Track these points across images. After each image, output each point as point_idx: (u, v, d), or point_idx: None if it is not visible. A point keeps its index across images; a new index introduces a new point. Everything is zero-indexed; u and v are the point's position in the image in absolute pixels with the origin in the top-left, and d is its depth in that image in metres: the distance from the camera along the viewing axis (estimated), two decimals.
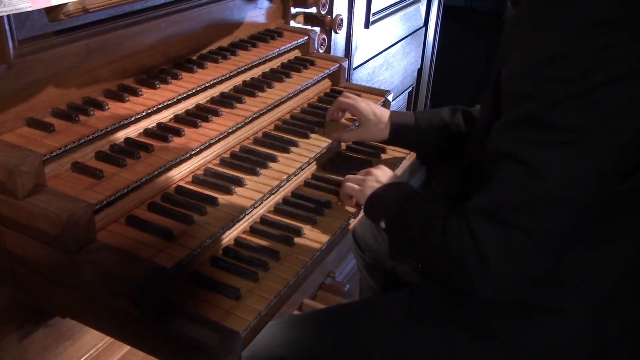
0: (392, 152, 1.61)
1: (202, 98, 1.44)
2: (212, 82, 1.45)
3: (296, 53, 1.80)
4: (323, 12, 1.96)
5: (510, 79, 1.01)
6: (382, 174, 1.32)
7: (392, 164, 1.55)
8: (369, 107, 1.50)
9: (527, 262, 0.98)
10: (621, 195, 1.01)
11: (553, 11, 0.94)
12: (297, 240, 1.21)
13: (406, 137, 1.50)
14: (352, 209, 1.33)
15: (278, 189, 1.31)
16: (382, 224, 1.22)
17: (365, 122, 1.50)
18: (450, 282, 1.10)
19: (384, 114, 1.50)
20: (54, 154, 1.11)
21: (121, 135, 1.24)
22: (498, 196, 0.98)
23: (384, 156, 1.59)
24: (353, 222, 1.35)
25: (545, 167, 0.93)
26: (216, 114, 1.38)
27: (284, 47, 1.70)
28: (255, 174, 1.30)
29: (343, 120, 1.59)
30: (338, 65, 1.78)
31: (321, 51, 2.04)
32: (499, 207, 0.97)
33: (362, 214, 1.36)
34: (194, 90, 1.40)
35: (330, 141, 1.48)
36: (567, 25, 0.91)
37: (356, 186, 1.31)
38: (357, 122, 1.54)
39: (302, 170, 1.39)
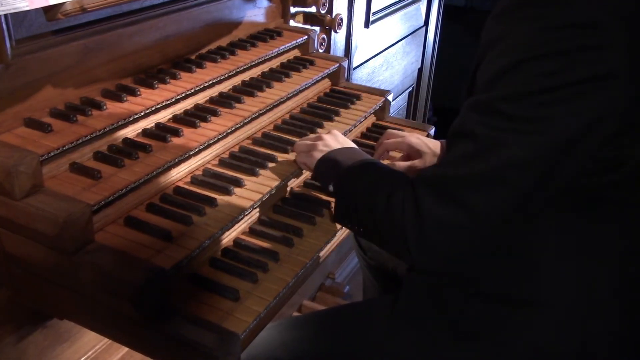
0: (393, 152, 1.60)
1: (201, 98, 1.43)
2: (211, 82, 1.45)
3: (296, 53, 1.79)
4: (323, 12, 1.95)
5: (484, 72, 1.03)
6: (332, 139, 1.32)
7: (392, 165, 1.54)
8: (420, 140, 1.45)
9: (463, 237, 1.00)
10: (602, 191, 1.01)
11: (532, 10, 0.95)
12: (296, 241, 1.21)
13: None
14: None
15: (278, 190, 1.31)
16: (331, 188, 1.23)
17: (420, 156, 1.44)
18: (389, 248, 1.13)
19: (437, 145, 1.45)
20: (52, 154, 1.10)
21: (119, 135, 1.23)
22: (445, 169, 1.01)
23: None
24: None
25: (494, 148, 0.95)
26: (215, 114, 1.37)
27: (284, 46, 1.69)
28: (255, 174, 1.29)
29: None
30: (338, 65, 1.77)
31: (321, 51, 2.04)
32: (444, 179, 1.00)
33: None
34: (192, 90, 1.39)
35: None
36: (544, 26, 0.93)
37: (305, 151, 1.31)
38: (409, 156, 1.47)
39: (302, 170, 1.38)
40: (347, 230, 1.34)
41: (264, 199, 1.25)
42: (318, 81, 1.71)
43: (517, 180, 0.96)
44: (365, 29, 2.35)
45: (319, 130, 1.51)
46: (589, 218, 1.04)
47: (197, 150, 1.28)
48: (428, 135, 1.72)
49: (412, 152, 1.46)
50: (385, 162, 1.48)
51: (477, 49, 1.08)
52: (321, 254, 1.24)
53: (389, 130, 1.53)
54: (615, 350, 1.10)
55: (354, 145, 1.32)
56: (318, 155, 1.28)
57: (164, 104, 1.32)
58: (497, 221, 1.00)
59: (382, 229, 1.09)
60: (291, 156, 1.38)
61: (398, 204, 1.03)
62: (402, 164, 1.45)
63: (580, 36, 0.90)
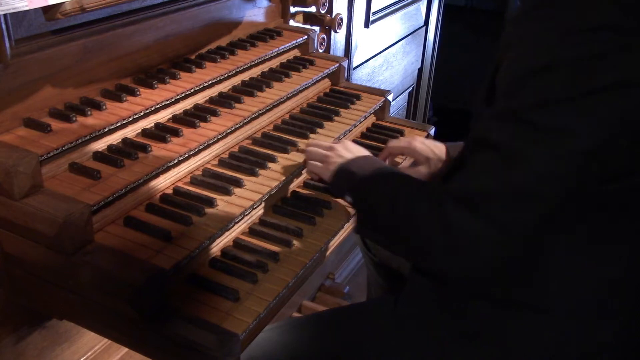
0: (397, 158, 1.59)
1: (200, 98, 1.43)
2: (210, 82, 1.44)
3: (295, 52, 1.79)
4: (322, 11, 1.95)
5: (505, 77, 1.01)
6: (344, 149, 1.29)
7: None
8: (425, 145, 1.43)
9: (494, 251, 0.98)
10: (610, 198, 1.00)
11: (553, 14, 0.93)
12: (296, 241, 1.21)
13: None
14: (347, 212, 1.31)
15: (277, 190, 1.30)
16: (348, 199, 1.22)
17: (426, 161, 1.42)
18: (418, 263, 1.12)
19: (442, 149, 1.43)
20: (51, 154, 1.10)
21: (119, 135, 1.23)
22: (473, 183, 0.98)
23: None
24: (354, 223, 1.34)
25: (523, 160, 0.93)
26: (215, 114, 1.37)
27: (283, 46, 1.69)
28: (254, 174, 1.29)
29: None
30: (338, 64, 1.77)
31: (321, 51, 2.04)
32: (472, 193, 0.98)
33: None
34: (192, 90, 1.39)
35: (330, 141, 1.47)
36: (565, 29, 0.91)
37: (319, 163, 1.30)
38: (414, 161, 1.46)
39: (301, 170, 1.38)
40: (347, 231, 1.33)
41: (263, 200, 1.25)
42: (318, 81, 1.71)
43: (549, 192, 0.94)
44: (365, 28, 2.35)
45: (319, 130, 1.51)
46: (598, 228, 1.02)
47: (196, 150, 1.27)
48: (428, 135, 1.71)
49: (417, 158, 1.44)
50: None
51: (496, 51, 1.06)
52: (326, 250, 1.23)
53: (395, 138, 1.53)
54: (621, 354, 1.10)
55: (366, 152, 1.30)
56: (332, 167, 1.26)
57: (163, 104, 1.31)
58: (527, 234, 0.98)
59: (408, 244, 1.07)
60: (291, 156, 1.38)
61: (423, 215, 1.01)
62: (408, 171, 1.43)
63: (604, 40, 0.88)
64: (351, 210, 1.33)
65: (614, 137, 0.91)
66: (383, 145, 1.58)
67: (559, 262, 1.06)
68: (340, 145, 1.31)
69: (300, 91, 1.63)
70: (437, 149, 1.43)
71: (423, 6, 2.94)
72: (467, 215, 0.96)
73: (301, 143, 1.43)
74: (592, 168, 0.94)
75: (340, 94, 1.73)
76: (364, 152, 1.30)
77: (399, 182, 1.13)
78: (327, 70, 1.73)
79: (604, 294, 1.07)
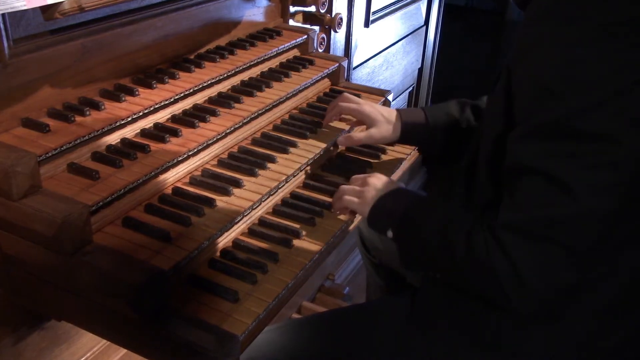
0: (392, 152, 1.59)
1: (199, 98, 1.42)
2: (209, 82, 1.44)
3: (295, 52, 1.79)
4: (322, 11, 1.95)
5: (527, 83, 0.97)
6: (379, 183, 1.26)
7: (393, 165, 1.54)
8: (374, 108, 1.45)
9: (563, 276, 0.97)
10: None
11: (574, 10, 0.90)
12: (295, 242, 1.20)
13: (417, 135, 1.46)
14: (345, 217, 1.31)
15: (277, 191, 1.30)
16: (389, 234, 1.19)
17: (374, 124, 1.44)
18: (482, 295, 1.08)
19: (391, 113, 1.46)
20: (50, 154, 1.09)
21: (117, 135, 1.23)
22: (528, 212, 0.95)
23: (383, 157, 1.57)
24: (353, 224, 1.34)
25: (574, 181, 0.90)
26: (214, 114, 1.37)
27: (283, 46, 1.69)
28: (254, 175, 1.28)
29: (339, 123, 1.56)
30: (337, 64, 1.77)
31: (320, 50, 2.03)
32: (530, 223, 0.95)
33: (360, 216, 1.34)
34: (191, 90, 1.38)
35: (329, 141, 1.47)
36: (591, 25, 0.88)
37: (355, 199, 1.25)
38: (365, 125, 1.49)
39: (300, 171, 1.37)
40: (347, 232, 1.33)
41: (263, 200, 1.24)
42: (317, 81, 1.70)
43: (605, 207, 0.92)
44: (365, 28, 2.35)
45: (318, 130, 1.50)
46: (620, 232, 1.01)
47: (195, 150, 1.27)
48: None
49: (366, 120, 1.46)
50: (337, 124, 1.51)
51: (504, 60, 1.03)
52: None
53: (345, 94, 1.52)
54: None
55: (400, 184, 1.28)
56: (371, 202, 1.23)
57: (162, 104, 1.31)
58: (593, 250, 0.96)
59: (469, 279, 1.06)
60: (291, 157, 1.38)
61: (483, 254, 0.99)
62: (360, 135, 1.46)
63: (633, 33, 0.86)
64: (344, 219, 1.31)
65: None
66: (383, 146, 1.58)
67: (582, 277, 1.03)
68: (374, 179, 1.27)
69: (300, 91, 1.63)
70: (386, 112, 1.45)
71: (423, 6, 2.94)
72: (531, 245, 0.94)
73: (301, 143, 1.43)
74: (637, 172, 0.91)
75: (340, 94, 1.72)
76: (396, 183, 1.28)
77: (444, 216, 1.10)
78: (327, 70, 1.73)
79: (616, 295, 1.06)
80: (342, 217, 1.31)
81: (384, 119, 1.44)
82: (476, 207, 1.11)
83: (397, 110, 1.48)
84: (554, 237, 0.93)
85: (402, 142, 1.51)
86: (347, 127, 1.54)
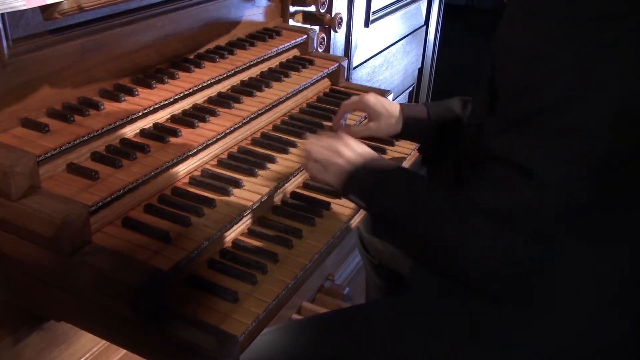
0: (392, 152, 1.58)
1: (199, 98, 1.42)
2: (209, 82, 1.44)
3: (295, 52, 1.78)
4: (322, 11, 1.94)
5: (504, 77, 1.00)
6: (350, 151, 1.17)
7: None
8: (378, 100, 1.45)
9: (525, 260, 0.99)
10: (615, 194, 1.01)
11: (549, 6, 0.93)
12: (295, 242, 1.20)
13: (419, 131, 1.45)
14: (347, 213, 1.30)
15: (277, 191, 1.30)
16: (361, 204, 1.16)
17: (376, 117, 1.44)
18: (448, 275, 1.11)
19: (394, 107, 1.45)
20: (49, 154, 1.09)
21: (117, 135, 1.23)
22: (495, 197, 0.99)
23: (383, 156, 1.57)
24: (354, 224, 1.33)
25: (541, 170, 0.93)
26: (213, 114, 1.36)
27: (283, 46, 1.68)
28: (253, 175, 1.28)
29: (349, 121, 1.55)
30: (337, 64, 1.76)
31: (320, 50, 2.03)
32: (495, 208, 0.98)
33: (360, 216, 1.34)
34: (191, 90, 1.38)
35: None
36: (563, 21, 0.91)
37: (321, 168, 1.18)
38: (367, 118, 1.49)
39: (301, 171, 1.37)
40: (347, 232, 1.33)
41: (262, 200, 1.24)
42: (317, 81, 1.70)
43: (569, 194, 0.96)
44: (365, 28, 2.34)
45: (318, 130, 1.50)
46: (598, 220, 1.03)
47: (195, 150, 1.27)
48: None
49: (368, 112, 1.46)
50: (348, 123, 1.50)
51: (490, 52, 1.07)
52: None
53: (352, 97, 1.52)
54: (627, 354, 1.09)
55: (372, 153, 1.21)
56: (338, 172, 1.15)
57: (162, 104, 1.31)
58: (557, 238, 1.00)
59: (435, 254, 1.07)
60: (291, 157, 1.37)
61: (455, 233, 1.01)
62: (358, 128, 1.46)
63: (601, 29, 0.88)
64: (351, 212, 1.32)
65: (621, 129, 0.91)
66: (383, 145, 1.57)
67: (563, 258, 1.06)
68: (345, 148, 1.18)
69: (300, 91, 1.62)
70: (389, 105, 1.45)
71: (423, 6, 2.94)
72: (492, 227, 0.97)
73: (300, 143, 1.43)
74: (606, 160, 0.94)
75: (340, 94, 1.72)
76: (368, 152, 1.21)
77: (420, 195, 1.10)
78: (327, 70, 1.72)
79: (615, 290, 1.06)
80: (342, 213, 1.30)
81: (387, 112, 1.44)
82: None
83: (401, 104, 1.47)
84: (516, 222, 0.96)
85: (402, 137, 1.51)
86: (357, 117, 1.53)
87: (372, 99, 1.45)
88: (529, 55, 0.94)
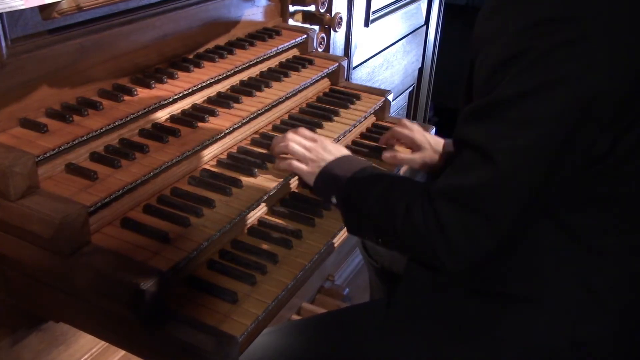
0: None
1: (198, 98, 1.42)
2: (208, 82, 1.43)
3: (294, 52, 1.78)
4: (322, 10, 1.94)
5: (478, 74, 1.06)
6: (323, 150, 1.27)
7: (393, 165, 1.53)
8: (424, 138, 1.49)
9: (487, 242, 1.03)
10: (597, 185, 1.03)
11: (515, 7, 0.98)
12: (295, 242, 1.20)
13: None
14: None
15: (276, 191, 1.29)
16: (333, 200, 1.21)
17: (420, 150, 1.49)
18: (416, 256, 1.17)
19: (439, 143, 1.49)
20: (48, 154, 1.09)
21: (116, 135, 1.22)
22: (457, 180, 1.03)
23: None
24: None
25: (497, 154, 0.98)
26: (213, 114, 1.36)
27: (282, 46, 1.68)
28: (253, 175, 1.28)
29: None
30: (337, 64, 1.76)
31: (320, 50, 2.03)
32: (458, 190, 1.02)
33: None
34: (190, 90, 1.38)
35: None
36: (525, 22, 0.95)
37: (303, 166, 1.26)
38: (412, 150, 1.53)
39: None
40: (347, 233, 1.32)
41: (262, 201, 1.24)
42: (317, 81, 1.70)
43: (525, 183, 1.00)
44: (365, 27, 2.34)
45: (318, 130, 1.50)
46: (583, 214, 1.06)
47: (194, 150, 1.26)
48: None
49: (413, 146, 1.50)
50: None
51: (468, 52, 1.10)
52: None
53: (403, 121, 1.56)
54: (612, 348, 1.10)
55: (345, 151, 1.29)
56: (315, 170, 1.24)
57: (161, 103, 1.30)
58: (514, 221, 1.03)
59: (405, 239, 1.10)
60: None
61: (419, 218, 1.05)
62: (403, 156, 1.50)
63: (560, 30, 0.92)
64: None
65: (580, 123, 0.95)
66: (383, 146, 1.57)
67: (549, 252, 1.09)
68: (319, 146, 1.28)
69: (300, 91, 1.62)
70: (434, 141, 1.50)
71: (423, 5, 2.93)
72: (458, 211, 1.02)
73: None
74: (563, 155, 0.98)
75: (340, 94, 1.71)
76: (342, 150, 1.29)
77: (389, 182, 1.15)
78: (327, 69, 1.72)
79: (595, 284, 1.08)
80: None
81: (431, 147, 1.49)
82: None
83: (445, 140, 1.51)
84: (475, 204, 1.00)
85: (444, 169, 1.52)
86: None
87: (419, 136, 1.50)
88: (497, 54, 0.99)
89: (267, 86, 1.53)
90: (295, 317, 2.27)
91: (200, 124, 1.31)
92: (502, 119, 0.98)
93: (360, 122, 1.62)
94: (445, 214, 1.02)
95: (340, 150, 1.29)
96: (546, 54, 0.93)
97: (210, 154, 1.32)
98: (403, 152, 1.53)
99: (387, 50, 2.62)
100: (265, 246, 1.18)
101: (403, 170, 1.56)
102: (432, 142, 1.49)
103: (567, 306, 1.09)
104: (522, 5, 0.97)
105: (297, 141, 1.29)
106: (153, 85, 1.32)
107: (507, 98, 0.97)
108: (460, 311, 1.16)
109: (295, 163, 1.28)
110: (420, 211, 1.05)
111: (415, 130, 1.51)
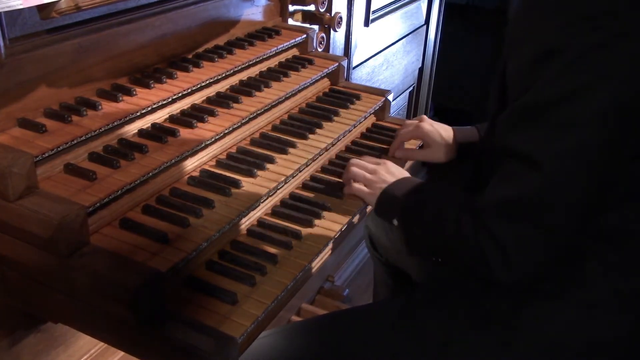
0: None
1: (197, 98, 1.41)
2: (208, 82, 1.43)
3: (294, 52, 1.78)
4: (322, 10, 1.93)
5: (513, 75, 1.04)
6: (387, 173, 1.29)
7: (395, 164, 1.52)
8: (433, 128, 1.48)
9: (543, 253, 1.02)
10: (632, 184, 1.02)
11: (552, 4, 0.96)
12: (295, 243, 1.19)
13: (472, 154, 1.47)
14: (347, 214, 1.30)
15: (275, 191, 1.29)
16: (395, 222, 1.22)
17: (432, 144, 1.47)
18: (474, 275, 1.14)
19: (450, 134, 1.48)
20: (46, 155, 1.08)
21: (115, 136, 1.22)
22: (505, 191, 1.01)
23: (385, 157, 1.56)
24: (356, 219, 1.33)
25: (548, 162, 0.96)
26: (212, 114, 1.36)
27: (282, 45, 1.68)
28: (252, 175, 1.27)
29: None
30: (337, 64, 1.75)
31: (320, 50, 2.02)
32: (507, 203, 1.00)
33: (360, 216, 1.34)
34: (189, 90, 1.37)
35: (328, 142, 1.46)
36: (564, 19, 0.93)
37: (365, 188, 1.29)
38: (422, 144, 1.51)
39: (300, 172, 1.36)
40: (347, 233, 1.32)
41: (261, 201, 1.23)
42: (317, 81, 1.69)
43: (577, 187, 0.97)
44: (365, 27, 2.34)
45: (318, 131, 1.50)
46: (619, 214, 1.04)
47: (193, 150, 1.26)
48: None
49: (425, 140, 1.48)
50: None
51: (500, 51, 1.11)
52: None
53: (406, 122, 1.55)
54: (626, 350, 1.09)
55: (406, 174, 1.31)
56: (377, 191, 1.26)
57: (160, 103, 1.30)
58: (570, 230, 1.01)
59: (461, 260, 1.10)
60: (290, 157, 1.37)
61: (471, 235, 1.04)
62: (414, 153, 1.49)
63: (599, 28, 0.90)
64: (350, 212, 1.31)
65: (624, 121, 0.93)
66: (383, 146, 1.57)
67: (583, 252, 1.07)
68: (383, 168, 1.30)
69: (299, 91, 1.61)
70: (445, 133, 1.47)
71: (424, 5, 2.93)
72: (509, 225, 1.00)
73: (300, 143, 1.42)
74: (610, 155, 0.96)
75: (340, 94, 1.71)
76: (404, 173, 1.31)
77: (439, 200, 1.15)
78: (327, 69, 1.71)
79: (624, 287, 1.07)
80: (342, 214, 1.30)
81: (443, 140, 1.47)
82: (481, 189, 1.15)
83: (454, 130, 1.49)
84: (528, 215, 0.99)
85: (459, 160, 1.52)
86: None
87: (427, 126, 1.48)
88: (532, 52, 0.97)
89: (267, 86, 1.53)
90: (295, 317, 2.26)
91: (199, 124, 1.31)
92: (544, 123, 0.96)
93: (360, 122, 1.62)
94: (496, 229, 1.00)
95: (402, 173, 1.30)
96: (585, 53, 0.91)
97: (209, 154, 1.32)
98: (411, 147, 1.52)
99: (387, 50, 2.62)
100: (264, 247, 1.18)
101: (408, 165, 1.56)
102: (442, 134, 1.47)
103: (591, 306, 1.08)
104: (558, 2, 0.95)
105: (360, 165, 1.32)
106: (152, 85, 1.32)
107: (548, 100, 0.95)
108: (482, 298, 1.16)
109: (356, 185, 1.29)
110: (471, 227, 1.04)
111: (421, 122, 1.49)
